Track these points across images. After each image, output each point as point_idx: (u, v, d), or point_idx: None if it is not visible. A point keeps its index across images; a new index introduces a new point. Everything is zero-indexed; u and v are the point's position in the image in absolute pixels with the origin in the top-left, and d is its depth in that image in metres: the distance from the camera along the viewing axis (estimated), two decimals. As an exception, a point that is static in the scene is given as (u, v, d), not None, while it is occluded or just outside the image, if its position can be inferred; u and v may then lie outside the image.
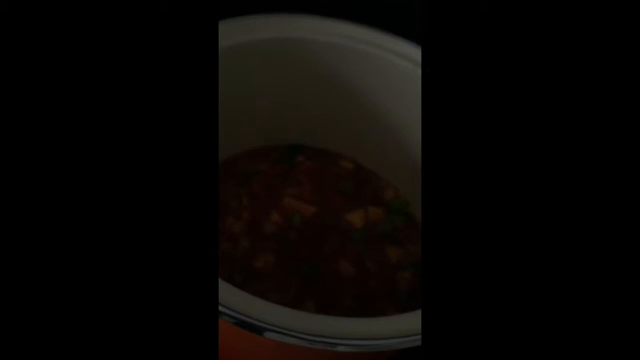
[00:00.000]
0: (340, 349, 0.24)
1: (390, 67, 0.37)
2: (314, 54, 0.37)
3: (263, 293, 0.34)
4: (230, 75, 0.35)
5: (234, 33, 0.34)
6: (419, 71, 0.36)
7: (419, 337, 0.24)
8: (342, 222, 0.38)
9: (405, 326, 0.25)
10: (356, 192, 0.40)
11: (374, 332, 0.24)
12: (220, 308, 0.24)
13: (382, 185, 0.41)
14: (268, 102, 0.38)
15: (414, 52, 0.36)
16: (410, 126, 0.39)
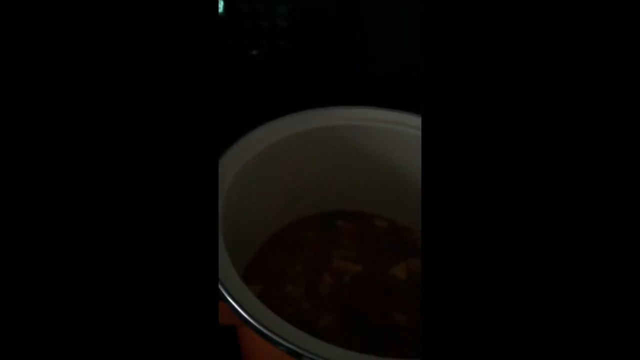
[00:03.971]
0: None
1: (408, 137, 0.43)
2: (347, 136, 0.42)
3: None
4: (279, 163, 0.40)
5: (290, 126, 0.40)
6: None
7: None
8: (387, 277, 0.42)
9: None
10: (395, 247, 0.44)
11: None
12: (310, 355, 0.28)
13: (416, 238, 0.45)
14: (312, 178, 0.43)
15: None
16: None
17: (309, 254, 0.42)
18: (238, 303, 0.29)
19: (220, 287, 0.29)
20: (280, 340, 0.28)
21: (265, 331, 0.28)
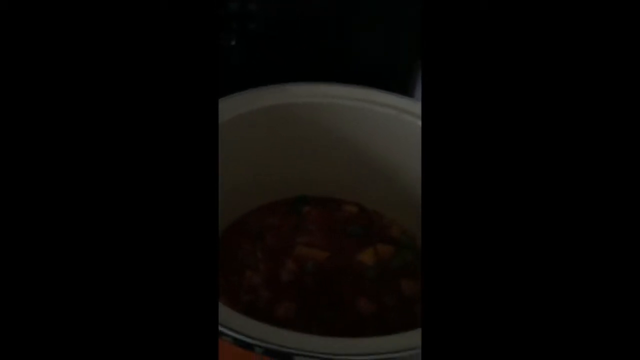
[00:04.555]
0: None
1: (376, 115, 0.40)
2: (309, 114, 0.40)
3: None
4: (239, 141, 0.38)
5: (245, 103, 0.38)
6: (402, 116, 0.39)
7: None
8: (355, 263, 0.40)
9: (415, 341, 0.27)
10: (364, 233, 0.42)
11: (390, 346, 0.27)
12: (249, 340, 0.26)
13: (387, 224, 0.43)
14: (273, 161, 0.41)
15: (394, 100, 0.40)
16: (404, 165, 0.41)
17: (272, 241, 0.40)
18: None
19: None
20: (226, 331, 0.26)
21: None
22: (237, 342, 0.27)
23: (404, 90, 0.58)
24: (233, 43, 0.56)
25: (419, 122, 0.39)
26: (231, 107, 0.38)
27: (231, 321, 0.27)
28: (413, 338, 0.27)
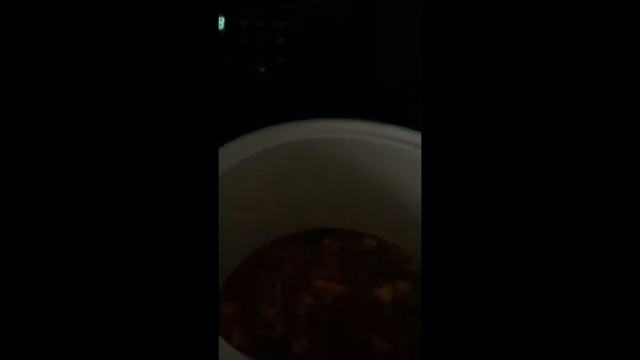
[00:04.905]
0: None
1: (396, 151, 0.40)
2: (328, 149, 0.41)
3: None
4: (260, 174, 0.39)
5: (266, 139, 0.39)
6: (418, 152, 0.39)
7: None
8: (372, 298, 0.40)
9: None
10: (382, 267, 0.42)
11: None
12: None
13: (406, 258, 0.43)
14: (293, 194, 0.42)
15: (411, 136, 0.40)
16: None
17: (290, 273, 0.41)
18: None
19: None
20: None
21: None
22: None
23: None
24: (263, 70, 0.58)
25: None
26: (254, 143, 0.39)
27: None
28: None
